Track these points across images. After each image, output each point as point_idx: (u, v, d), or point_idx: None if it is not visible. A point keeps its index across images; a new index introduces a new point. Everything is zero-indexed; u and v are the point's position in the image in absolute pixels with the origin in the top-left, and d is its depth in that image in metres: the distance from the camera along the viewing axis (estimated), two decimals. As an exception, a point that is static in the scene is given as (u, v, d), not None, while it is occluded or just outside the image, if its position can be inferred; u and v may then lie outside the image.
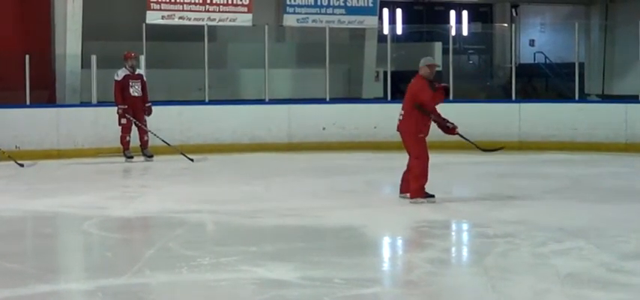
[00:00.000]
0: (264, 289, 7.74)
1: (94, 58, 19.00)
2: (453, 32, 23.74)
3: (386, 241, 10.45)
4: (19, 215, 11.74)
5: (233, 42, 23.32)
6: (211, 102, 19.86)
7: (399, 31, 28.14)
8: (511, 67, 21.94)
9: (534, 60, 29.85)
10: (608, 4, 27.29)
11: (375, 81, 24.26)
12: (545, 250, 9.13)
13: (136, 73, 17.59)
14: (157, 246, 9.50)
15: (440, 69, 11.89)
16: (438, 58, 26.20)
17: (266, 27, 20.34)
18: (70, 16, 19.39)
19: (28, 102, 18.39)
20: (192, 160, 17.05)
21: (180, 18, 20.06)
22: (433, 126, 12.07)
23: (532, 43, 30.43)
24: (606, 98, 24.72)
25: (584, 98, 23.16)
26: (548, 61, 29.42)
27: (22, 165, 16.27)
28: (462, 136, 12.54)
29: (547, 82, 29.15)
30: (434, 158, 12.20)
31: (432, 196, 11.94)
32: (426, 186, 11.95)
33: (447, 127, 12.11)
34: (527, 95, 26.77)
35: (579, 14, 27.01)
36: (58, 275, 8.54)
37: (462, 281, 8.32)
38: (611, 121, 19.29)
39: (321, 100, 20.78)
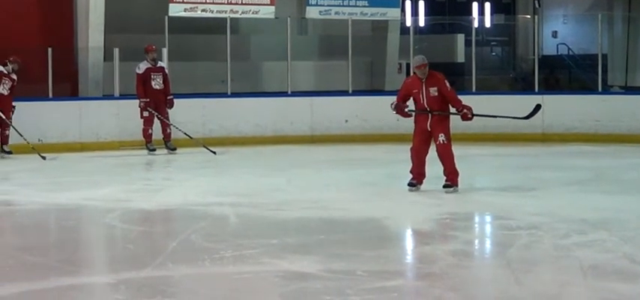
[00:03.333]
0: (287, 282, 7.73)
1: (116, 51, 19.05)
2: (476, 24, 23.65)
3: (408, 233, 10.43)
4: (41, 208, 11.78)
5: (255, 34, 23.32)
6: (234, 95, 19.86)
7: (421, 23, 28.08)
8: (534, 59, 21.83)
9: (557, 51, 29.72)
10: (632, -6, 27.16)
11: (398, 73, 24.19)
12: (568, 242, 9.09)
13: (158, 65, 17.62)
14: (180, 239, 9.50)
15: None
16: (460, 50, 26.20)
17: (288, 19, 20.35)
18: (92, 8, 19.43)
19: (50, 95, 18.46)
20: (214, 152, 17.06)
21: (202, 11, 20.06)
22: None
23: (555, 34, 30.29)
24: (629, 90, 24.55)
25: (607, 90, 23.04)
26: (571, 52, 29.28)
27: (44, 158, 16.33)
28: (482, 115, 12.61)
29: (570, 74, 29.02)
30: (456, 150, 12.18)
31: (410, 184, 12.26)
32: (411, 174, 12.32)
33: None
34: (550, 87, 26.65)
35: (602, 5, 26.85)
36: (80, 268, 8.55)
37: (484, 273, 8.30)
38: (634, 112, 19.19)
39: (343, 93, 20.76)
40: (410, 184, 12.35)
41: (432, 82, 12.12)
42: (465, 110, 12.15)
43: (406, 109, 12.45)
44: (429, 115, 12.12)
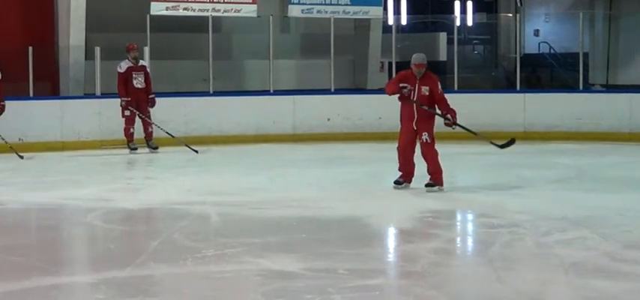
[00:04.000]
0: (269, 281, 7.73)
1: (97, 49, 18.97)
2: (458, 22, 23.72)
3: (390, 231, 10.44)
4: (22, 207, 11.74)
5: (238, 33, 23.28)
6: (216, 93, 19.84)
7: (403, 21, 28.07)
8: (516, 58, 21.90)
9: (539, 50, 29.78)
10: (613, -6, 27.25)
11: (380, 71, 24.22)
12: (550, 240, 9.13)
13: (140, 64, 17.57)
14: (161, 238, 9.49)
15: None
16: (442, 49, 26.24)
17: (271, 18, 20.33)
18: (73, 7, 19.37)
19: (31, 94, 18.39)
20: (196, 151, 17.04)
21: (184, 9, 20.02)
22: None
23: (537, 33, 30.35)
24: (610, 88, 24.65)
25: (588, 88, 23.09)
26: (552, 51, 29.35)
27: (22, 157, 16.26)
28: (463, 127, 12.65)
29: (552, 72, 29.09)
30: (439, 148, 12.21)
31: (396, 182, 12.36)
32: (400, 172, 12.42)
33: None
34: (532, 85, 26.73)
35: (584, 4, 26.93)
36: (62, 268, 8.53)
37: (466, 271, 8.32)
38: (615, 110, 19.27)
39: (325, 91, 20.77)
40: (396, 182, 12.39)
41: (425, 81, 12.22)
42: (448, 115, 12.20)
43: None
44: (415, 115, 12.14)
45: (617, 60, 26.13)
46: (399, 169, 12.43)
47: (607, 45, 26.46)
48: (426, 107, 12.18)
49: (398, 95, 12.33)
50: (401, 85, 12.25)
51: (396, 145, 12.47)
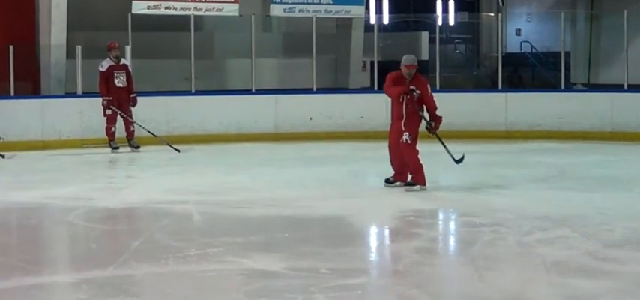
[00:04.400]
0: (251, 280, 7.73)
1: (79, 48, 18.92)
2: (440, 22, 23.77)
3: (373, 230, 10.45)
4: (3, 207, 11.69)
5: (220, 32, 23.27)
6: (198, 92, 19.81)
7: (385, 20, 28.11)
8: (498, 57, 21.94)
9: (521, 49, 29.88)
10: (594, -7, 27.34)
11: (362, 71, 24.26)
12: (532, 239, 9.15)
13: (121, 63, 17.53)
14: (143, 237, 9.48)
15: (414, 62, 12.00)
16: (424, 48, 26.28)
17: (253, 17, 20.32)
18: (54, 6, 19.31)
19: (12, 93, 18.33)
20: (178, 150, 17.01)
21: (166, 8, 19.99)
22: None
23: (518, 32, 30.46)
24: (592, 87, 24.71)
25: (570, 87, 23.17)
26: (534, 50, 29.45)
27: (3, 156, 16.19)
28: (439, 139, 12.66)
29: (533, 72, 29.18)
30: (421, 147, 12.23)
31: (387, 181, 12.43)
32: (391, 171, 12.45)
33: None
34: (514, 85, 26.79)
35: (565, 3, 27.02)
36: (43, 267, 8.49)
37: (448, 270, 8.34)
38: (596, 110, 19.33)
39: (308, 90, 20.77)
40: (386, 181, 12.42)
41: (415, 83, 12.17)
42: (434, 123, 12.21)
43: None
44: (404, 115, 12.10)
45: (598, 59, 26.22)
46: (393, 168, 12.42)
47: (588, 44, 26.55)
48: (421, 112, 12.16)
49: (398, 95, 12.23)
50: (411, 87, 12.16)
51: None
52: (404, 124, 12.14)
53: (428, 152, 12.53)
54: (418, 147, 12.21)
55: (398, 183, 12.33)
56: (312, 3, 21.57)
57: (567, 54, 22.98)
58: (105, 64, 17.32)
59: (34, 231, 10.40)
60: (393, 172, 12.41)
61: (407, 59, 12.27)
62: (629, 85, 19.82)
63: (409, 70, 12.20)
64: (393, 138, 12.32)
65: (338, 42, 24.12)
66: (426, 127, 12.34)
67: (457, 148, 12.97)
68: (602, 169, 14.97)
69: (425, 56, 25.82)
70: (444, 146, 12.71)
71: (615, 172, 14.54)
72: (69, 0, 19.40)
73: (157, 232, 9.65)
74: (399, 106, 12.22)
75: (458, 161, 12.89)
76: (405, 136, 12.10)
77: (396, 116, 12.28)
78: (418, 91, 12.13)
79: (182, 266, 8.17)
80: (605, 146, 18.04)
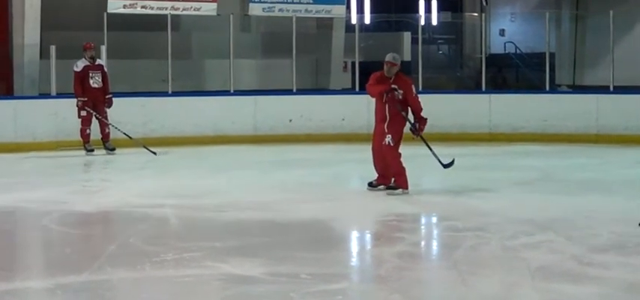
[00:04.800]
0: (229, 286, 7.72)
1: (53, 48, 18.87)
2: (422, 22, 23.79)
3: (354, 235, 10.46)
4: (-25, 211, 11.64)
5: (197, 32, 23.25)
6: (175, 93, 19.78)
7: (367, 20, 28.16)
8: (481, 58, 22.01)
9: (505, 50, 29.95)
10: (579, -7, 27.43)
11: (343, 71, 24.30)
12: (516, 244, 9.17)
13: (97, 63, 17.49)
14: (119, 242, 9.45)
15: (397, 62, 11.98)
16: (406, 49, 26.32)
17: (231, 16, 20.30)
18: (28, 5, 19.26)
19: (-15, 94, 18.29)
20: (154, 153, 16.98)
21: (142, 7, 19.96)
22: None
23: (502, 32, 30.53)
24: (577, 89, 24.83)
25: (554, 89, 23.26)
26: (518, 51, 29.53)
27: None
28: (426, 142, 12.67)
29: (517, 73, 29.27)
30: (405, 149, 12.24)
31: (370, 184, 12.45)
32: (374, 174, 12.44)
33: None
34: (498, 86, 26.88)
35: (550, 4, 27.09)
36: (16, 273, 8.45)
37: (431, 275, 8.35)
38: (581, 111, 19.40)
39: (287, 92, 20.77)
40: (369, 184, 12.43)
41: (398, 83, 12.15)
42: (417, 124, 12.22)
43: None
44: (387, 117, 12.11)
45: (583, 60, 26.31)
46: (376, 171, 12.43)
47: (574, 45, 26.64)
48: (404, 113, 12.16)
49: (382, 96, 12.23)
50: (393, 86, 12.16)
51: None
52: (387, 126, 12.14)
53: (411, 155, 12.55)
54: (402, 150, 12.23)
55: (381, 187, 12.34)
56: (292, 2, 21.58)
57: (552, 55, 23.04)
58: (80, 65, 17.28)
59: (7, 235, 10.35)
60: (376, 176, 12.42)
61: (388, 56, 12.27)
62: (614, 87, 19.92)
63: (388, 68, 12.20)
64: (376, 140, 12.32)
65: (318, 42, 24.15)
66: (410, 129, 12.34)
67: (440, 151, 12.99)
68: (587, 172, 15.04)
69: (407, 57, 25.87)
70: (430, 149, 12.71)
71: (600, 175, 14.61)
72: (43, -2, 19.37)
73: (133, 236, 9.63)
74: (382, 107, 12.21)
75: (446, 165, 12.84)
76: (388, 138, 12.09)
77: (379, 118, 12.28)
78: (401, 91, 12.13)
79: (158, 271, 8.16)
80: (590, 149, 18.11)
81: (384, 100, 12.15)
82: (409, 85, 12.30)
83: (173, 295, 7.49)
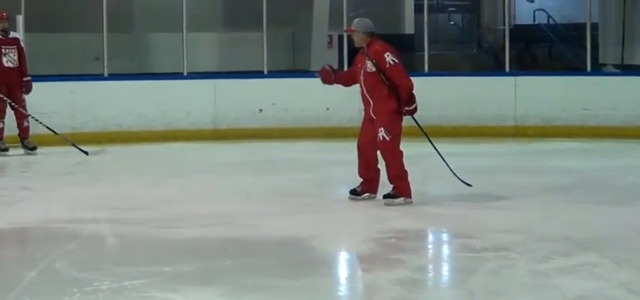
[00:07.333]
0: (182, 322, 7.75)
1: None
2: (429, -16, 23.84)
3: (342, 256, 10.46)
4: None
5: (141, -1, 23.31)
6: (112, 77, 19.78)
7: (357, -17, 28.20)
8: (504, 30, 22.05)
9: (534, 20, 30.03)
10: (629, -51, 27.54)
11: (328, 48, 24.30)
12: (548, 268, 9.20)
13: (11, 37, 17.48)
14: (41, 267, 9.44)
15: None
16: (408, 19, 26.34)
17: (184, -22, 20.35)
18: None
19: None
20: (86, 153, 16.98)
21: (70, -34, 19.95)
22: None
23: (531, -1, 30.65)
24: (626, 70, 24.92)
25: (598, 70, 23.33)
26: (552, 22, 29.60)
27: None
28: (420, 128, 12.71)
29: (550, 50, 29.35)
30: (405, 147, 12.27)
31: (352, 192, 12.54)
32: (361, 178, 12.54)
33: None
34: (525, 66, 26.93)
35: (592, -39, 27.20)
36: None
37: (440, 309, 8.38)
38: (632, 98, 19.46)
39: (257, 74, 20.76)
40: (353, 192, 12.44)
41: (370, 54, 12.15)
42: (402, 105, 12.08)
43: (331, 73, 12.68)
44: (370, 100, 12.12)
45: (634, 34, 26.40)
46: (359, 175, 12.46)
47: (622, 14, 26.69)
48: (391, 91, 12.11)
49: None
50: (369, 60, 12.13)
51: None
52: (373, 111, 12.08)
53: (413, 153, 12.58)
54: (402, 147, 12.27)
55: (366, 194, 12.36)
56: (263, -41, 21.59)
57: (594, 26, 23.12)
58: (-12, 39, 17.30)
59: None
60: (361, 180, 12.45)
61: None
62: (674, 67, 20.04)
63: (351, 35, 12.35)
64: (363, 134, 12.32)
65: (296, 12, 24.17)
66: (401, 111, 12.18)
67: (452, 149, 13.03)
68: (638, 176, 15.09)
69: (409, 29, 25.93)
70: (436, 149, 12.72)
71: (656, 180, 14.70)
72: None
73: (59, 259, 9.62)
74: (362, 90, 12.23)
75: (463, 181, 12.89)
76: (382, 131, 12.02)
77: (364, 103, 12.28)
78: (373, 60, 12.07)
79: (92, 304, 8.17)
80: (642, 146, 18.24)
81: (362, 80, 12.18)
82: (381, 52, 12.05)
83: (110, 335, 7.51)
